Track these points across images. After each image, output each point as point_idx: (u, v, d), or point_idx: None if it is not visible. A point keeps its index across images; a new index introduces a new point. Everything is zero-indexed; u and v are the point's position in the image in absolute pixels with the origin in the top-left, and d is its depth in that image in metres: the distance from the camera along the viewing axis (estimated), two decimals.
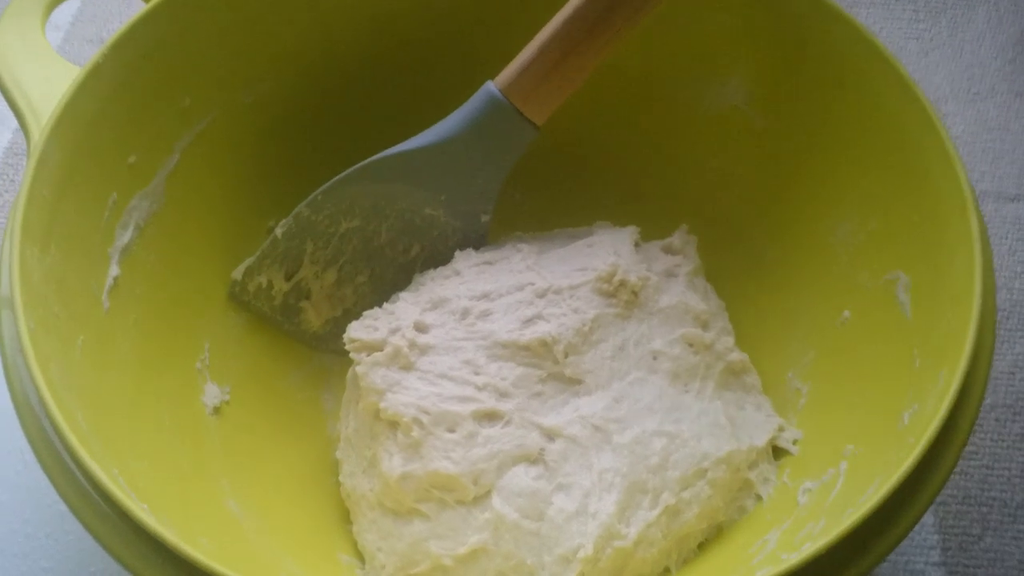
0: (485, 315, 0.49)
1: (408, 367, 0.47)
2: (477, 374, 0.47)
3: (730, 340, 0.50)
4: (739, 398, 0.49)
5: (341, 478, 0.49)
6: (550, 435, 0.46)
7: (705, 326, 0.50)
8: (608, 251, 0.50)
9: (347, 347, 0.48)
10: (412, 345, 0.48)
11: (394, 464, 0.45)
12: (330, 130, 0.55)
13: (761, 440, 0.47)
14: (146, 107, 0.47)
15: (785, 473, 0.47)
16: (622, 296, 0.49)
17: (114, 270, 0.46)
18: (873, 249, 0.47)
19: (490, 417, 0.46)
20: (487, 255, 0.52)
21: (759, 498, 0.47)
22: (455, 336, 0.48)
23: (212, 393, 0.49)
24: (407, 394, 0.46)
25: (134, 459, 0.41)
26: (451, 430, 0.46)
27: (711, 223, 0.53)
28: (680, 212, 0.54)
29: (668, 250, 0.53)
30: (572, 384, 0.47)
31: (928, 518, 0.51)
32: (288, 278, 0.53)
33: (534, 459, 0.45)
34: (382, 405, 0.46)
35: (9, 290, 0.40)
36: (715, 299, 0.52)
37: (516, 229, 0.55)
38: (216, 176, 0.51)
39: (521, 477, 0.45)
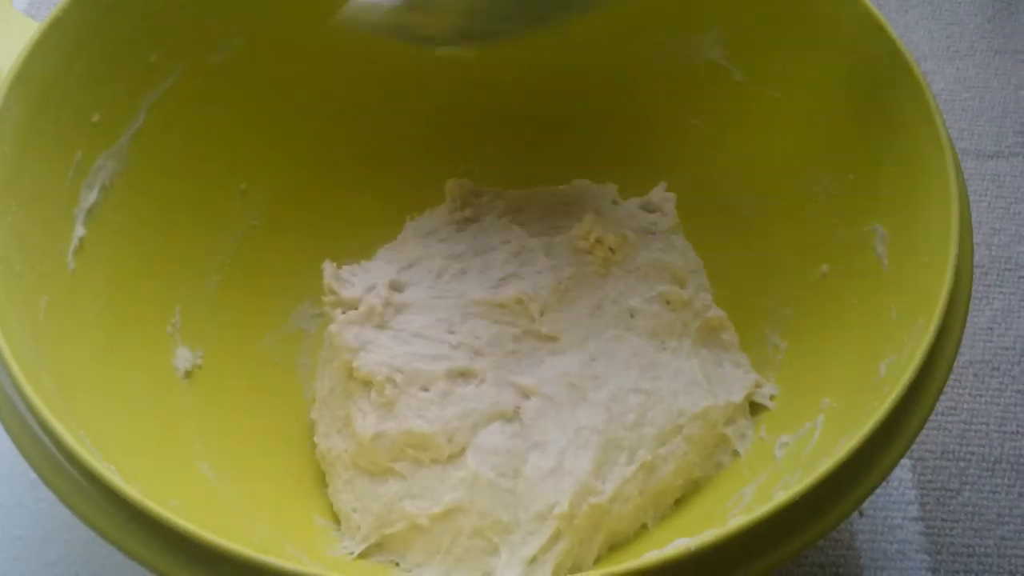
0: (460, 274, 0.48)
1: (383, 326, 0.47)
2: (452, 332, 0.47)
3: (708, 297, 0.50)
4: (716, 355, 0.49)
5: (316, 438, 0.48)
6: (525, 393, 0.46)
7: (682, 283, 0.49)
8: (586, 209, 0.50)
9: (324, 299, 0.48)
10: (387, 304, 0.47)
11: (368, 423, 0.45)
12: (303, 90, 0.54)
13: (738, 396, 0.47)
14: (110, 63, 0.46)
15: (762, 428, 0.46)
16: (599, 254, 0.49)
17: (79, 231, 0.45)
18: (851, 202, 0.46)
19: (464, 375, 0.46)
20: (465, 212, 0.52)
21: (736, 453, 0.47)
22: (430, 295, 0.48)
23: (184, 357, 0.48)
24: (381, 353, 0.46)
25: (102, 422, 0.40)
26: (425, 389, 0.45)
27: (690, 179, 0.53)
28: (659, 169, 0.53)
29: (646, 207, 0.52)
30: (548, 342, 0.47)
31: (906, 473, 0.51)
32: None
33: (509, 417, 0.45)
34: (355, 364, 0.46)
35: None
36: (693, 257, 0.51)
37: (495, 186, 0.54)
38: (185, 136, 0.50)
39: (496, 435, 0.44)
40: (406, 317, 0.47)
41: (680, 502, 0.46)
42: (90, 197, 0.45)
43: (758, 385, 0.48)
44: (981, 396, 0.54)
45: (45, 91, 0.43)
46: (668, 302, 0.49)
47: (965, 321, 0.38)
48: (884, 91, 0.44)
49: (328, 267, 0.49)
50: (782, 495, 0.32)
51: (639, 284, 0.49)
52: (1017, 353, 0.55)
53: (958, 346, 0.37)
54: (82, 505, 0.35)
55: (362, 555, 0.45)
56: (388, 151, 0.56)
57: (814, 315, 0.47)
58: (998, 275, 0.58)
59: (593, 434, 0.44)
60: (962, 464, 0.52)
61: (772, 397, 0.48)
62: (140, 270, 0.48)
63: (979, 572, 0.49)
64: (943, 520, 0.50)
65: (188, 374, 0.48)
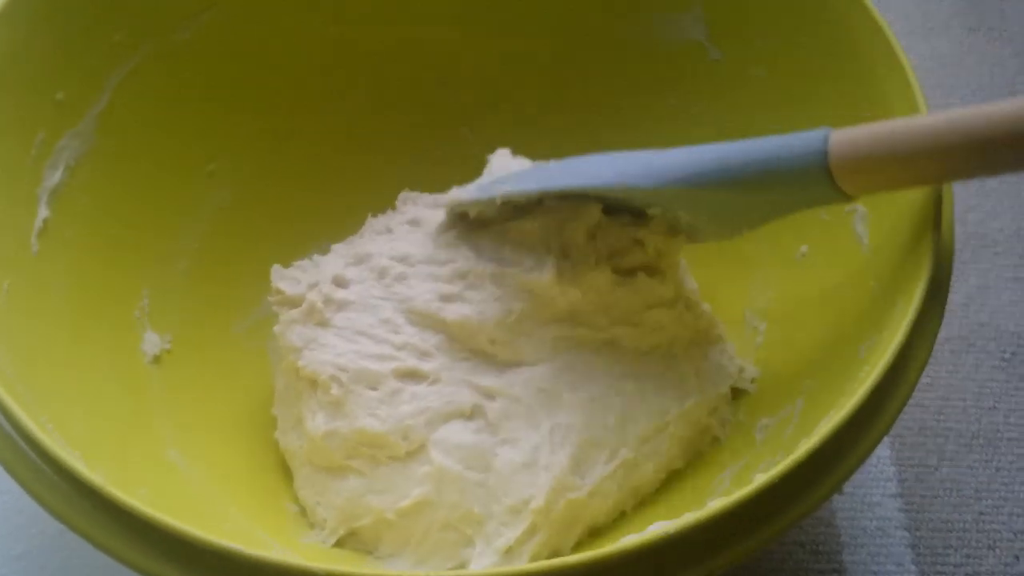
0: (401, 278, 0.46)
1: (324, 323, 0.45)
2: (396, 333, 0.45)
3: (695, 294, 0.48)
4: (703, 349, 0.47)
5: (276, 435, 0.47)
6: (487, 394, 0.44)
7: (671, 304, 0.47)
8: (551, 248, 0.45)
9: (271, 299, 0.46)
10: (328, 301, 0.45)
11: (317, 423, 0.44)
12: (273, 69, 0.53)
13: (724, 386, 0.46)
14: (72, 40, 0.45)
15: (742, 412, 0.46)
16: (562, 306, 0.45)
17: (43, 212, 0.43)
18: None
19: (413, 376, 0.44)
20: (421, 211, 0.49)
21: (716, 440, 0.46)
22: (373, 294, 0.46)
23: (152, 342, 0.47)
24: (324, 351, 0.44)
25: (67, 408, 0.39)
26: (373, 388, 0.44)
27: None
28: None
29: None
30: (508, 364, 0.45)
31: (884, 451, 0.51)
32: None
33: (469, 415, 0.44)
34: (300, 363, 0.44)
35: None
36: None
37: (463, 170, 0.52)
38: (152, 116, 0.49)
39: (458, 431, 0.43)
40: (348, 315, 0.45)
41: (660, 489, 0.45)
42: (54, 177, 0.44)
43: (740, 371, 0.47)
44: (958, 372, 0.54)
45: (4, 69, 0.42)
46: (655, 328, 0.46)
47: (945, 303, 0.38)
48: (867, 71, 0.44)
49: (275, 270, 0.47)
50: (760, 478, 0.32)
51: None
52: (993, 329, 0.55)
53: (938, 328, 0.37)
54: (46, 494, 0.34)
55: (335, 543, 0.44)
56: (363, 135, 0.55)
57: (794, 296, 0.47)
58: (973, 252, 0.58)
59: (571, 432, 0.43)
60: (940, 440, 0.52)
61: (752, 380, 0.47)
62: (107, 253, 0.47)
63: (958, 547, 0.49)
64: (922, 496, 0.50)
65: (156, 359, 0.47)
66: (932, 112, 0.37)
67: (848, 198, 0.38)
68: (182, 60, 0.50)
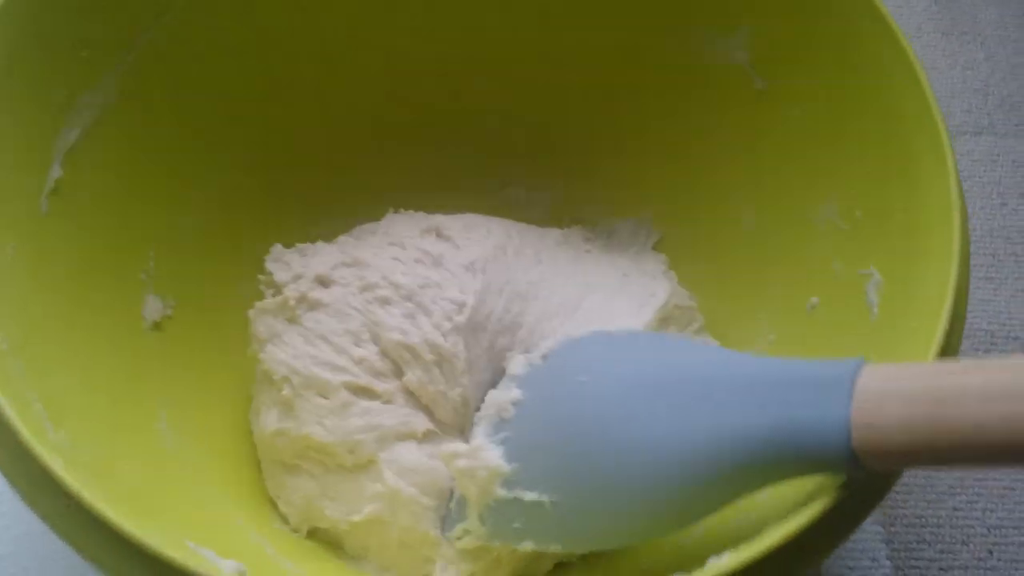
0: (384, 302, 0.44)
1: (294, 320, 0.45)
2: (357, 346, 0.44)
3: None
4: None
5: (250, 417, 0.47)
6: (442, 423, 0.43)
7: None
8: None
9: (259, 277, 0.46)
10: (302, 299, 0.44)
11: (270, 419, 0.44)
12: (301, 39, 0.51)
13: None
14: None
15: None
16: None
17: (56, 171, 0.43)
18: (853, 238, 0.44)
19: (366, 392, 0.43)
20: (436, 244, 0.47)
21: None
22: (350, 302, 0.45)
23: (154, 307, 0.47)
24: (284, 350, 0.44)
25: (61, 375, 0.39)
26: (323, 396, 0.43)
27: (695, 185, 0.51)
28: (664, 168, 0.51)
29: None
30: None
31: None
32: None
33: (421, 438, 0.43)
34: (260, 356, 0.44)
35: None
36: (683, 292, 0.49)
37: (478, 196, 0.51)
38: (175, 80, 0.48)
39: (411, 452, 0.42)
40: (318, 316, 0.44)
41: None
42: (70, 137, 0.44)
43: None
44: None
45: (30, 22, 0.41)
46: None
47: None
48: (900, 130, 0.42)
49: (274, 249, 0.47)
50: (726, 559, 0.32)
51: None
52: (966, 328, 0.55)
53: None
54: (22, 482, 0.34)
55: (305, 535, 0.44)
56: (382, 118, 0.54)
57: (797, 345, 0.46)
58: None
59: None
60: None
61: None
62: (117, 214, 0.46)
63: (932, 542, 0.50)
64: (896, 492, 0.50)
65: (157, 325, 0.47)
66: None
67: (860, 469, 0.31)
68: (206, 28, 0.48)
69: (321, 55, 0.52)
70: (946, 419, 0.29)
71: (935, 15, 0.69)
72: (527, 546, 0.38)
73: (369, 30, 0.52)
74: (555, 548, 0.38)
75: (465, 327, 0.43)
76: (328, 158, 0.54)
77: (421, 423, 0.43)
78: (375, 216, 0.51)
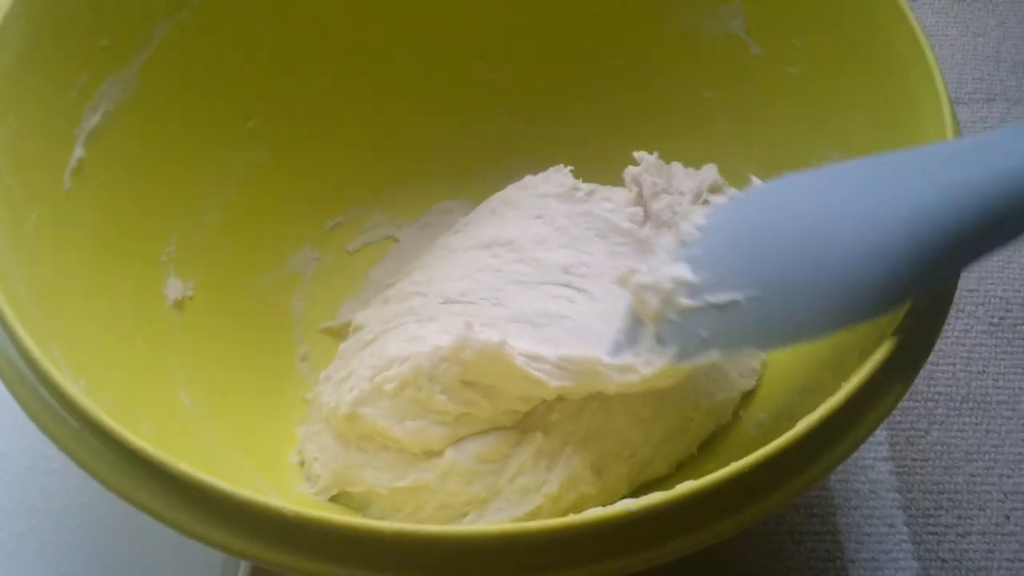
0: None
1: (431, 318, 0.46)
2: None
3: None
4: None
5: (321, 376, 0.48)
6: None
7: None
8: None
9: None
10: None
11: (350, 398, 0.44)
12: (319, 29, 0.53)
13: (751, 382, 0.45)
14: None
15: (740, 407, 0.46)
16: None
17: (79, 152, 0.44)
18: None
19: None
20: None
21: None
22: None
23: (175, 287, 0.48)
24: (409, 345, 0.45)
25: (81, 342, 0.40)
26: (416, 400, 0.43)
27: (698, 151, 0.52)
28: (668, 138, 0.52)
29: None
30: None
31: None
32: None
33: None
34: (373, 344, 0.46)
35: None
36: None
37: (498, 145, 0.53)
38: (196, 67, 0.50)
39: (475, 443, 0.43)
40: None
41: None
42: (92, 120, 0.45)
43: (765, 366, 0.46)
44: (946, 337, 0.54)
45: (51, 10, 0.43)
46: None
47: (951, 302, 0.38)
48: (899, 80, 0.43)
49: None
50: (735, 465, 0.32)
51: None
52: (981, 295, 0.56)
53: (942, 324, 0.37)
54: (50, 424, 0.34)
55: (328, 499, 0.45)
56: (402, 105, 0.56)
57: None
58: None
59: (593, 441, 0.42)
60: (930, 404, 0.53)
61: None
62: (138, 198, 0.48)
63: (949, 508, 0.49)
64: (913, 459, 0.51)
65: (178, 304, 0.48)
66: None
67: None
68: (230, 15, 0.50)
69: (344, 40, 0.53)
70: None
71: None
72: (711, 356, 0.37)
73: (393, 16, 0.54)
74: (747, 350, 0.37)
75: None
76: (350, 144, 0.55)
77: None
78: (395, 203, 0.54)
